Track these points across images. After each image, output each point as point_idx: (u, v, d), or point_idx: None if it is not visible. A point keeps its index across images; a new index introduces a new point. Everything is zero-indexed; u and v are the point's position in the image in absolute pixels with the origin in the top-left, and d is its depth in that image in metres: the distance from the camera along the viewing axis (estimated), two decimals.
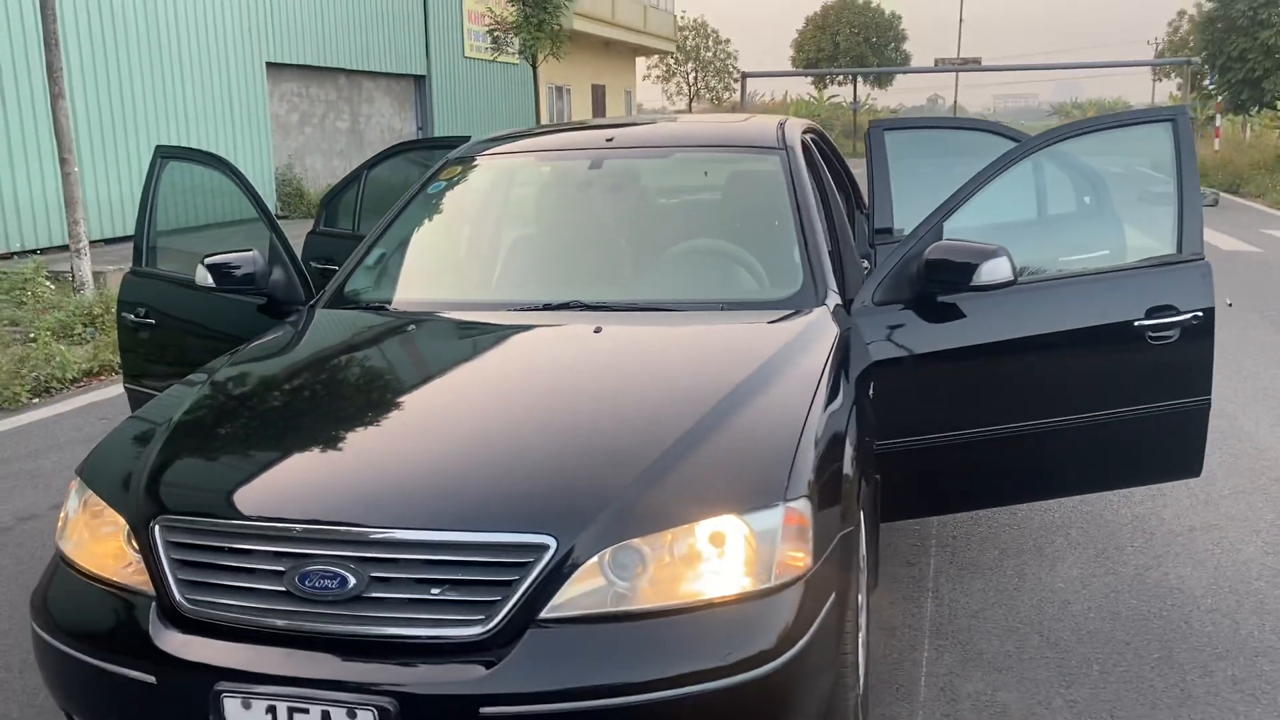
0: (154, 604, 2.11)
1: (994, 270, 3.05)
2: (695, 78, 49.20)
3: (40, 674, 2.31)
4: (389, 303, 3.29)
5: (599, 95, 32.98)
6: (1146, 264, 3.47)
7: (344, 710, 1.90)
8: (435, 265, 3.56)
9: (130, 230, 4.33)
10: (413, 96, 22.16)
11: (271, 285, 3.54)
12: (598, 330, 2.86)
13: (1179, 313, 3.31)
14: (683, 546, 2.06)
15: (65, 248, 9.74)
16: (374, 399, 2.59)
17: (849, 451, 2.48)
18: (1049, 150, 4.06)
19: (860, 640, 2.64)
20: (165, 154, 4.30)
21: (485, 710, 1.89)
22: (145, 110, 14.31)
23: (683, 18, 50.40)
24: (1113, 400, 3.34)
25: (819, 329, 2.89)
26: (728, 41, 50.43)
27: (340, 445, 2.34)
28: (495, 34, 18.38)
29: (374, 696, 1.90)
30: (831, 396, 2.55)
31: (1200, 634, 3.25)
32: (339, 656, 1.96)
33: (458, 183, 3.79)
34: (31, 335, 7.33)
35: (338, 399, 2.59)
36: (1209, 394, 3.40)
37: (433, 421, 2.45)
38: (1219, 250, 12.43)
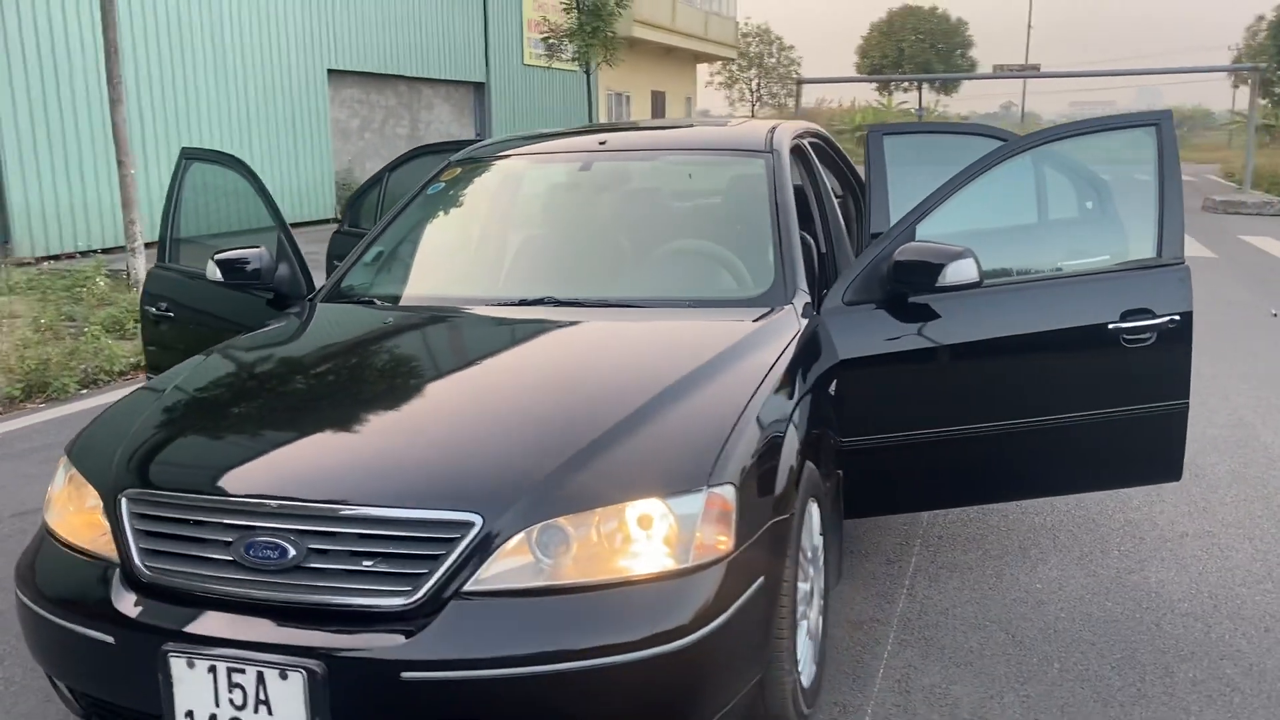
0: (118, 570, 2.27)
1: (959, 271, 3.11)
2: (758, 84, 49.16)
3: (24, 638, 2.48)
4: (380, 297, 3.44)
5: (659, 101, 33.16)
6: (1124, 267, 3.49)
7: (277, 672, 2.04)
8: (425, 263, 3.71)
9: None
10: (471, 103, 22.54)
11: (277, 280, 3.71)
12: (561, 325, 2.98)
13: (1155, 316, 3.33)
14: (607, 526, 2.16)
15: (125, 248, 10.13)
16: (333, 384, 2.75)
17: (790, 444, 2.56)
18: (1050, 156, 4.10)
19: (807, 629, 2.72)
20: (189, 155, 4.50)
21: (406, 675, 2.01)
22: (208, 115, 14.82)
23: (746, 24, 50.44)
24: (1087, 402, 3.37)
25: (779, 326, 2.97)
26: (791, 48, 50.43)
27: (291, 426, 2.49)
28: (549, 41, 18.61)
29: (304, 660, 2.03)
30: (777, 391, 2.64)
31: (1169, 636, 3.26)
32: (275, 622, 2.10)
33: (456, 184, 3.94)
34: (85, 330, 7.67)
35: (301, 384, 2.75)
36: (1187, 398, 3.41)
37: (382, 405, 2.59)
38: (1274, 258, 12.16)
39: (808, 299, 3.21)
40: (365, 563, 2.11)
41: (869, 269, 3.27)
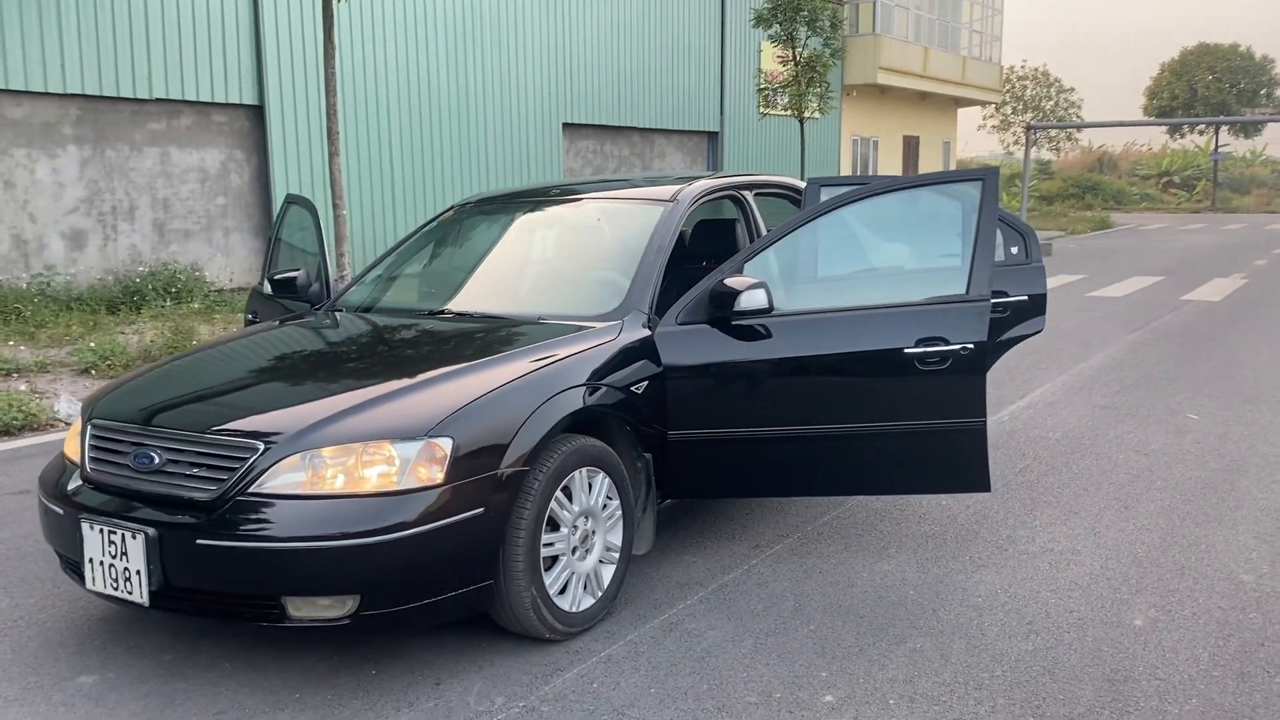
0: (78, 471, 3.48)
1: (752, 299, 3.85)
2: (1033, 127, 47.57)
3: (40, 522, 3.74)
4: (349, 307, 4.59)
5: (911, 147, 33.13)
6: (933, 302, 4.02)
7: (130, 534, 3.14)
8: (393, 282, 4.83)
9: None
10: (705, 150, 23.84)
11: (310, 294, 4.95)
12: (432, 326, 4.00)
13: (949, 344, 3.86)
14: (354, 457, 3.13)
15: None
16: (246, 358, 3.92)
17: (545, 418, 3.41)
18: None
19: (569, 564, 3.52)
20: (290, 200, 5.86)
21: (199, 541, 3.07)
22: (452, 163, 16.92)
23: (1022, 66, 49.06)
24: (888, 414, 3.94)
25: (594, 335, 3.82)
26: (1071, 90, 48.39)
27: (192, 382, 3.70)
28: (764, 91, 19.60)
29: (146, 527, 3.13)
30: (549, 379, 3.50)
31: (933, 618, 3.73)
32: (138, 504, 3.22)
33: (445, 224, 5.05)
34: None
35: (226, 355, 3.96)
36: (983, 416, 3.90)
37: (256, 371, 3.76)
38: None
39: (644, 317, 4.01)
40: (194, 469, 3.19)
41: (697, 297, 4.02)
